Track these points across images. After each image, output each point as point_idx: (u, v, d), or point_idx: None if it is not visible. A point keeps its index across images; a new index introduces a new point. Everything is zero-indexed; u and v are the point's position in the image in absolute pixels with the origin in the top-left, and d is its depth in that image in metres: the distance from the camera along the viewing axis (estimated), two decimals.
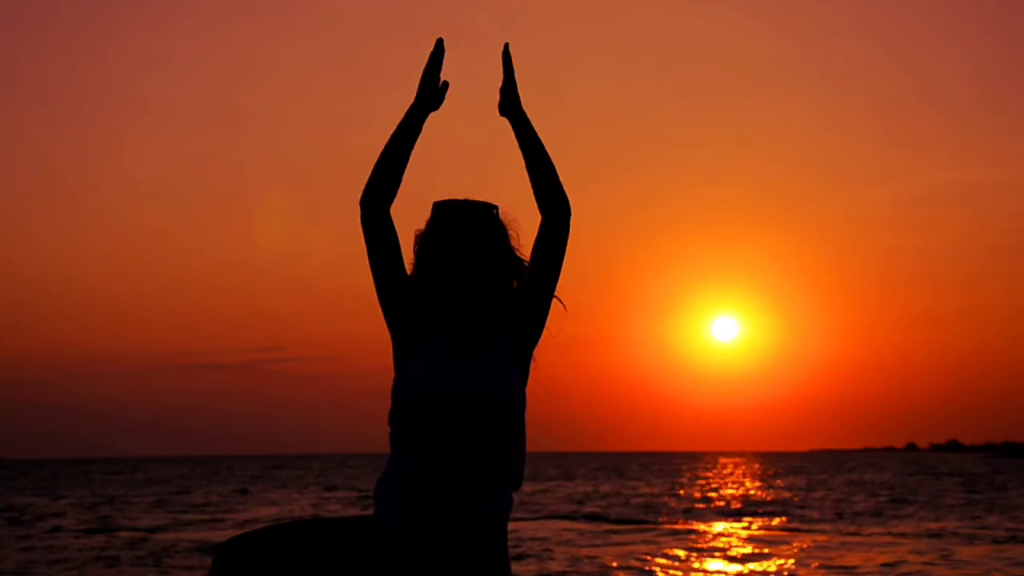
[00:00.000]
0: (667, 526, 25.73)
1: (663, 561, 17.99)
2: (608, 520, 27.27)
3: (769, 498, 38.49)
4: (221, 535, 22.52)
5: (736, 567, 17.42)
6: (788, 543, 20.79)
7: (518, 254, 3.48)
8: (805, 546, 20.11)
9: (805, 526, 25.10)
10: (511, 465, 3.42)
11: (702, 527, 25.49)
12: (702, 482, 56.51)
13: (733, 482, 56.48)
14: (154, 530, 24.25)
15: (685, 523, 26.82)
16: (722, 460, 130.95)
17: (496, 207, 3.49)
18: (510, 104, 3.55)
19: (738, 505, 34.49)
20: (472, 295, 3.42)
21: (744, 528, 25.02)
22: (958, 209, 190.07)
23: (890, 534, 22.67)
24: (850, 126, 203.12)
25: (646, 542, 21.14)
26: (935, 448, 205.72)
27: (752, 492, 43.97)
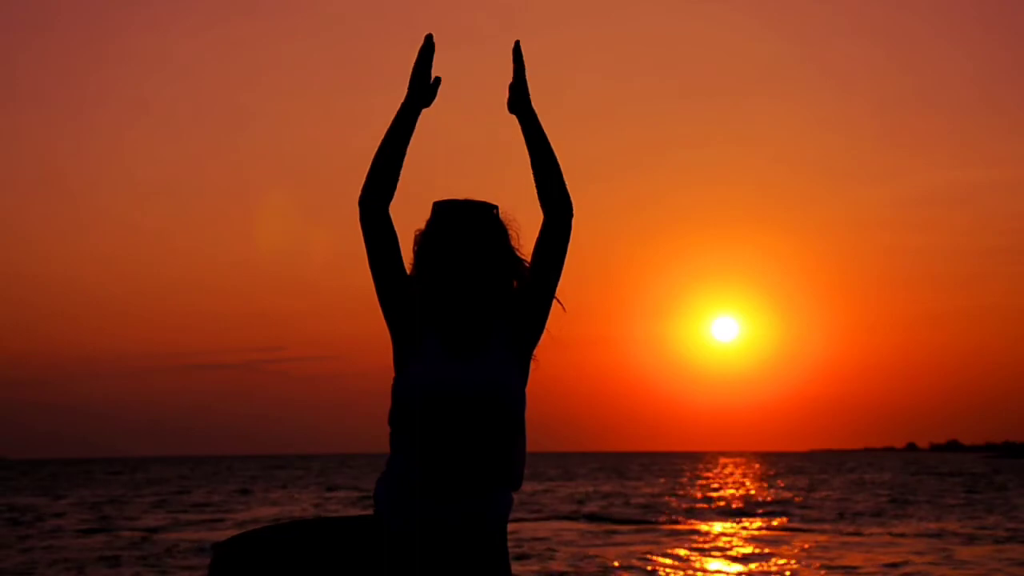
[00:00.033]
0: (668, 526, 25.73)
1: (664, 561, 17.99)
2: (609, 520, 27.27)
3: (770, 498, 38.49)
4: (221, 535, 22.52)
5: (738, 567, 17.42)
6: (789, 543, 20.79)
7: (518, 254, 3.48)
8: (806, 546, 20.11)
9: (806, 526, 25.10)
10: (511, 465, 3.42)
11: (703, 527, 25.49)
12: (703, 482, 56.51)
13: (734, 482, 56.48)
14: (155, 530, 24.26)
15: (686, 523, 26.82)
16: (722, 460, 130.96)
17: (496, 207, 3.49)
18: (519, 101, 3.54)
19: (739, 505, 34.48)
20: (472, 295, 3.42)
21: (745, 528, 25.02)
22: (958, 209, 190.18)
23: (891, 534, 22.67)
24: (850, 126, 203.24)
25: (647, 542, 21.14)
26: (935, 448, 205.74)
27: (753, 492, 43.96)
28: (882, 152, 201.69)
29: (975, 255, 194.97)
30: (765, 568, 17.04)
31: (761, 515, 29.22)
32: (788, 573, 16.41)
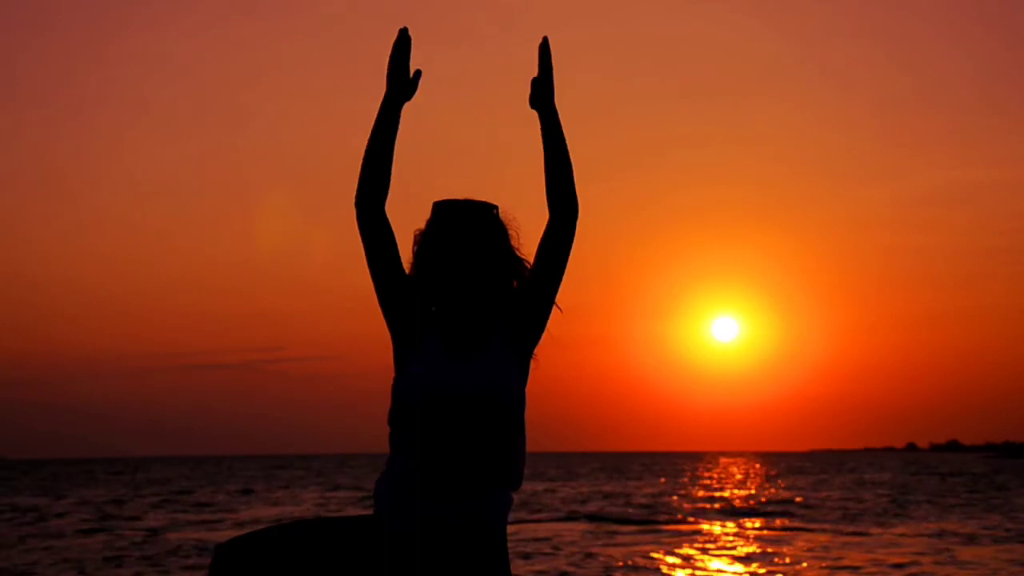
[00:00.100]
0: (670, 526, 25.72)
1: (667, 561, 17.99)
2: (610, 520, 27.26)
3: (771, 498, 38.49)
4: (222, 535, 22.52)
5: (740, 567, 17.41)
6: (791, 543, 20.78)
7: (518, 254, 3.49)
8: (809, 546, 20.11)
9: (808, 526, 25.10)
10: (511, 465, 3.42)
11: (705, 527, 25.49)
12: (704, 482, 56.50)
13: (734, 482, 56.47)
14: (156, 530, 24.26)
15: (688, 523, 26.81)
16: (723, 460, 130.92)
17: (496, 207, 3.49)
18: (542, 97, 3.53)
19: (740, 505, 34.48)
20: (472, 295, 3.42)
21: (747, 528, 25.01)
22: (958, 209, 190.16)
23: (892, 534, 22.67)
24: (850, 126, 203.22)
25: (649, 542, 21.14)
26: (935, 448, 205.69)
27: (754, 492, 43.96)
28: (882, 152, 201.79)
29: (975, 255, 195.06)
30: (768, 568, 17.04)
31: (763, 515, 29.22)
32: (791, 573, 16.41)
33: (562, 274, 3.50)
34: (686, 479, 60.92)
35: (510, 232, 3.48)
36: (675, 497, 40.08)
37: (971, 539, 21.29)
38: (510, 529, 3.44)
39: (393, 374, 3.44)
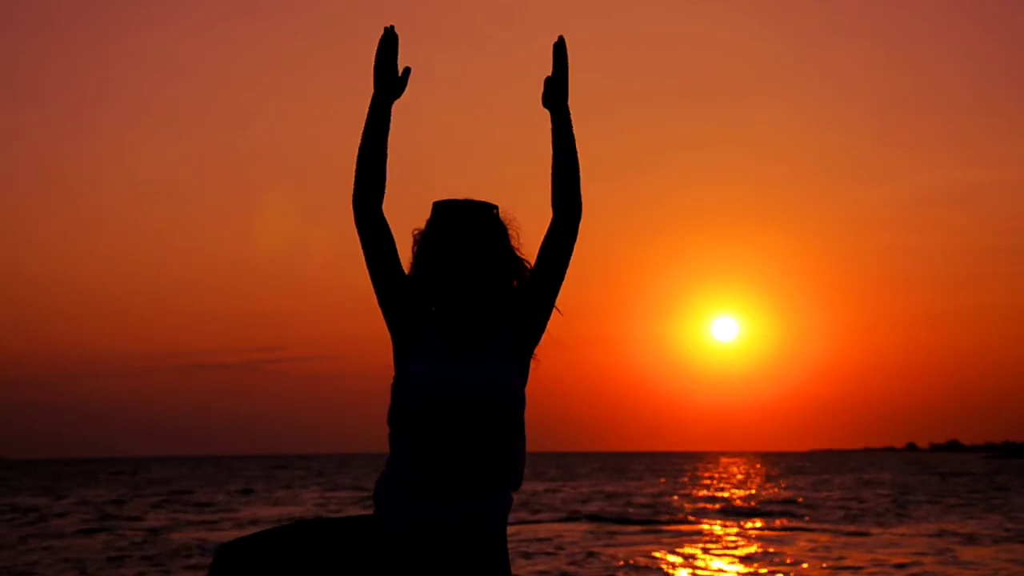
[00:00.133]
0: (671, 526, 25.72)
1: (668, 560, 17.99)
2: (611, 520, 27.26)
3: (772, 498, 38.49)
4: (223, 535, 22.52)
5: (742, 567, 17.41)
6: (793, 543, 20.79)
7: (518, 254, 3.49)
8: (810, 546, 20.11)
9: (809, 526, 25.09)
10: (511, 465, 3.42)
11: (706, 527, 25.49)
12: (704, 482, 56.50)
13: (735, 482, 56.48)
14: (156, 530, 24.26)
15: (689, 523, 26.81)
16: (723, 460, 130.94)
17: (496, 207, 3.49)
18: (555, 97, 3.52)
19: (741, 505, 34.49)
20: (472, 295, 3.42)
21: (748, 528, 25.01)
22: (958, 209, 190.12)
23: (893, 534, 22.67)
24: (850, 126, 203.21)
25: (650, 542, 21.14)
26: (935, 448, 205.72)
27: (755, 492, 43.96)
28: (882, 152, 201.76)
29: (975, 255, 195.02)
30: (769, 568, 17.04)
31: (763, 515, 29.22)
32: (793, 573, 16.40)
33: (563, 275, 3.50)
34: (686, 479, 60.92)
35: (510, 232, 3.48)
36: (676, 497, 40.09)
37: (971, 539, 21.29)
38: (511, 530, 3.44)
39: (393, 374, 3.44)
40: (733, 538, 22.28)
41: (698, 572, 16.92)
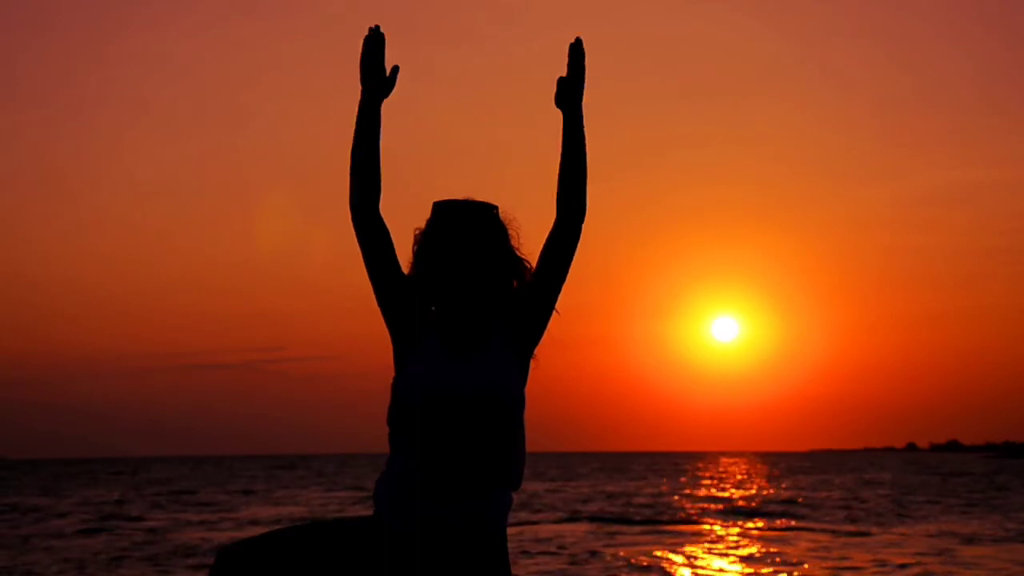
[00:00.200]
0: (672, 526, 25.72)
1: (669, 560, 17.99)
2: (612, 520, 27.26)
3: (773, 498, 38.49)
4: (223, 535, 22.53)
5: (743, 567, 17.41)
6: (794, 543, 20.78)
7: (518, 254, 3.49)
8: (812, 546, 20.11)
9: (810, 526, 25.09)
10: (511, 465, 3.42)
11: (707, 527, 25.49)
12: (705, 482, 56.51)
13: (736, 482, 56.48)
14: (157, 530, 24.26)
15: (690, 523, 26.81)
16: (723, 460, 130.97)
17: (496, 207, 3.49)
18: (569, 98, 3.52)
19: (742, 505, 34.49)
20: (472, 295, 3.42)
21: (749, 528, 25.01)
22: (958, 209, 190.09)
23: (893, 534, 22.67)
24: (850, 126, 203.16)
25: (651, 542, 21.13)
26: (935, 448, 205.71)
27: (755, 492, 43.97)
28: (882, 152, 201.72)
29: (975, 255, 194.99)
30: (772, 568, 17.04)
31: (764, 515, 29.22)
32: (794, 573, 16.40)
33: (565, 275, 3.50)
34: (687, 479, 60.92)
35: (510, 232, 3.48)
36: (676, 497, 40.09)
37: (972, 539, 21.30)
38: (512, 530, 3.44)
39: (393, 374, 3.44)
40: (734, 538, 22.28)
41: (700, 572, 16.92)
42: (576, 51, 3.52)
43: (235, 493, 44.00)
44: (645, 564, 17.42)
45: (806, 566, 17.05)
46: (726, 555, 19.03)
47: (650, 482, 55.76)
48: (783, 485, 50.77)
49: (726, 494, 42.43)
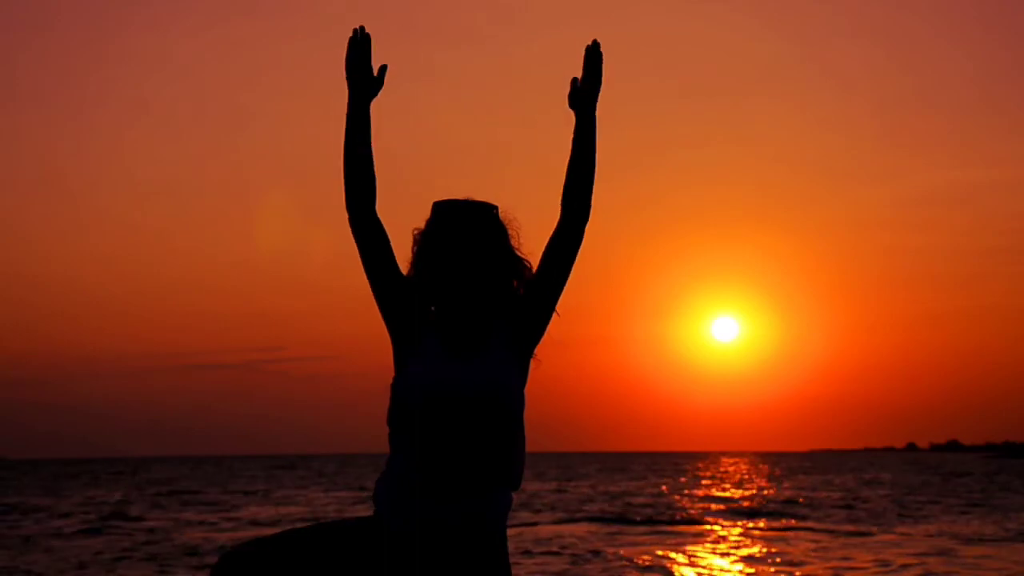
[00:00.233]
0: (673, 526, 25.72)
1: (670, 560, 17.99)
2: (612, 520, 27.26)
3: (773, 498, 38.49)
4: (224, 535, 22.54)
5: (744, 567, 17.41)
6: (795, 543, 20.78)
7: (518, 254, 3.48)
8: (813, 546, 20.11)
9: (811, 526, 25.09)
10: (511, 465, 3.42)
11: (708, 527, 25.49)
12: (705, 482, 56.51)
13: (736, 482, 56.49)
14: (157, 530, 24.26)
15: (691, 523, 26.81)
16: (723, 460, 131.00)
17: (496, 207, 3.49)
18: (584, 101, 3.53)
19: (743, 505, 34.49)
20: (472, 295, 3.42)
21: (751, 528, 25.01)
22: (958, 209, 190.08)
23: (894, 534, 22.67)
24: (850, 126, 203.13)
25: (652, 542, 21.13)
26: (935, 448, 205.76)
27: (756, 492, 43.97)
28: (882, 152, 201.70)
29: (975, 255, 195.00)
30: (774, 568, 17.03)
31: (766, 515, 29.22)
32: (796, 573, 16.40)
33: (567, 276, 3.50)
34: (688, 479, 60.93)
35: (510, 232, 3.48)
36: (677, 497, 40.09)
37: (972, 539, 21.30)
38: (513, 530, 3.44)
39: (393, 374, 3.44)
40: (736, 538, 22.28)
41: (702, 572, 16.91)
42: (593, 54, 3.53)
43: (235, 493, 44.01)
44: (647, 564, 17.42)
45: (810, 567, 17.05)
46: (728, 555, 19.03)
47: (650, 482, 55.77)
48: (784, 485, 50.78)
49: (727, 494, 42.43)
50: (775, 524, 25.89)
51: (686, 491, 45.17)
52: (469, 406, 3.34)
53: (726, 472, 76.15)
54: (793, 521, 26.80)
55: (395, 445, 3.41)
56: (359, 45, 3.48)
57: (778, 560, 17.92)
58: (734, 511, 31.24)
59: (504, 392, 3.37)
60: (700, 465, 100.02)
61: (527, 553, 18.34)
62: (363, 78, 3.47)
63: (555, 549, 19.30)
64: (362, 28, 3.49)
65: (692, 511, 31.44)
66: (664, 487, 49.32)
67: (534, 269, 3.49)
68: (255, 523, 26.78)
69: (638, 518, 28.05)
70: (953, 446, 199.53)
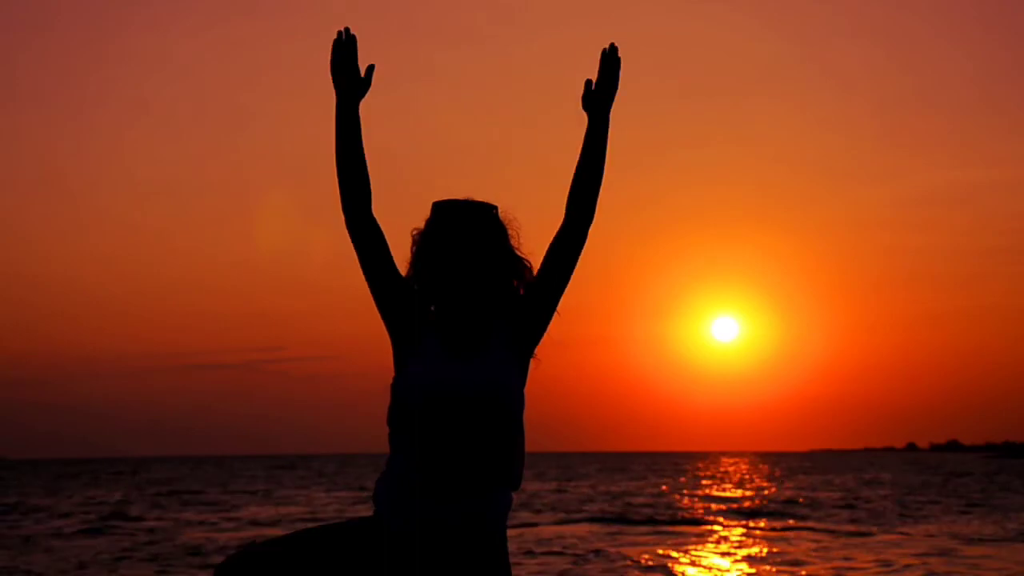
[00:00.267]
0: (674, 526, 25.71)
1: (672, 559, 17.98)
2: (613, 520, 27.25)
3: (774, 497, 38.49)
4: (225, 535, 22.53)
5: (746, 566, 17.40)
6: (796, 543, 20.78)
7: (518, 254, 3.48)
8: (814, 546, 20.11)
9: (811, 526, 25.09)
10: (511, 465, 3.42)
11: (708, 527, 25.48)
12: (706, 482, 56.51)
13: (737, 482, 56.48)
14: (157, 530, 24.25)
15: (692, 523, 26.81)
16: (723, 460, 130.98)
17: (496, 207, 3.48)
18: (598, 103, 3.52)
19: (744, 505, 34.48)
20: (472, 295, 3.41)
21: (752, 528, 25.00)
22: (958, 209, 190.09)
23: (895, 534, 22.66)
24: (850, 126, 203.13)
25: (652, 542, 21.13)
26: (935, 448, 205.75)
27: (757, 492, 43.97)
28: (882, 152, 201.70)
29: (975, 255, 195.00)
30: (776, 568, 17.03)
31: (766, 515, 29.21)
32: (803, 572, 16.39)
33: (569, 277, 3.50)
34: (688, 479, 60.93)
35: (510, 232, 3.48)
36: (678, 496, 40.10)
37: (973, 539, 21.29)
38: (514, 531, 3.43)
39: (393, 374, 3.44)
40: (737, 538, 22.28)
41: (703, 572, 16.91)
42: (610, 58, 3.52)
43: (236, 493, 44.01)
44: (649, 564, 17.41)
45: (811, 567, 17.04)
46: (729, 555, 19.03)
47: (650, 482, 55.76)
48: (784, 485, 50.77)
49: (727, 494, 42.43)
50: (776, 524, 25.88)
51: (686, 491, 45.17)
52: (469, 406, 3.34)
53: (726, 472, 76.15)
54: (794, 521, 26.79)
55: (395, 445, 3.40)
56: (344, 47, 3.46)
57: (779, 560, 17.92)
58: (735, 511, 31.24)
59: (504, 392, 3.37)
60: (700, 465, 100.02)
61: (529, 553, 18.34)
62: (349, 80, 3.45)
63: (557, 549, 19.30)
64: (347, 29, 3.47)
65: (693, 511, 31.45)
66: (664, 487, 49.32)
67: (534, 269, 3.49)
68: (255, 523, 26.78)
69: (638, 518, 28.05)
70: (953, 446, 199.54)
